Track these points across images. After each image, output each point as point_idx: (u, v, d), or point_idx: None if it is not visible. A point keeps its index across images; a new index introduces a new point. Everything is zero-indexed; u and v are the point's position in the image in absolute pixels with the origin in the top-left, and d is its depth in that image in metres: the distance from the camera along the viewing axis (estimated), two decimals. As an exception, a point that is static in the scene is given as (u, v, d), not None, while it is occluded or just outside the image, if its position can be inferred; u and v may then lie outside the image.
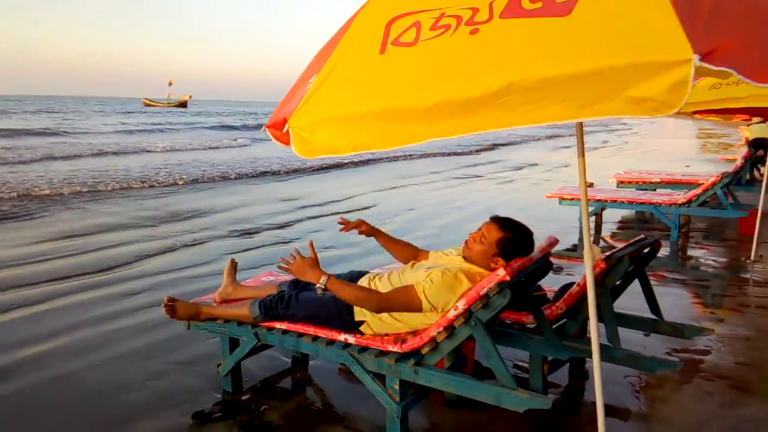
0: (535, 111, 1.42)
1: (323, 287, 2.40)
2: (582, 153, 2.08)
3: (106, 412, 2.83)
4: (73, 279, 4.86)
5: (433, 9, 1.73)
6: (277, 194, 9.82)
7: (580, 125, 2.08)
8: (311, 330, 2.67)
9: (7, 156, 14.38)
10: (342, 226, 2.88)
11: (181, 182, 10.93)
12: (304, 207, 8.48)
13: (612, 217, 7.54)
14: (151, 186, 10.47)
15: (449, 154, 17.59)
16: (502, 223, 2.54)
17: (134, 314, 4.08)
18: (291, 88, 2.30)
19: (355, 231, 2.87)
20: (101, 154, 15.83)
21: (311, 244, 2.54)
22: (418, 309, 2.43)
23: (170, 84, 68.33)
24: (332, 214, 7.89)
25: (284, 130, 1.73)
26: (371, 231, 2.90)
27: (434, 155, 17.15)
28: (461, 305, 2.29)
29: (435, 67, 1.58)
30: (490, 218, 2.59)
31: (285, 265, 2.46)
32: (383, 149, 1.59)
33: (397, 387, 2.44)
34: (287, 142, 2.29)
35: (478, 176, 12.50)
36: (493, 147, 20.35)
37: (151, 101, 66.43)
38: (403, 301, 2.45)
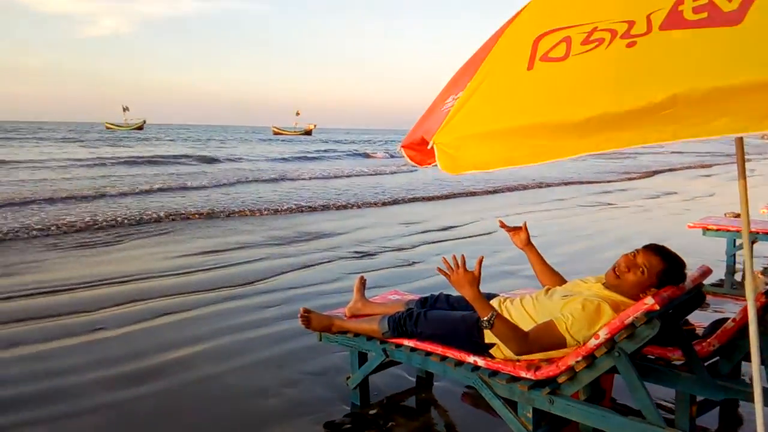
0: (703, 124, 1.34)
1: (490, 322, 2.26)
2: (743, 174, 1.90)
3: (245, 414, 3.01)
4: (215, 290, 5.26)
5: (584, 24, 1.69)
6: (399, 218, 10.00)
7: (741, 143, 1.91)
8: (439, 349, 2.66)
9: (181, 181, 15.41)
10: (500, 222, 2.85)
11: (317, 207, 11.35)
12: (425, 231, 8.55)
13: (762, 251, 6.79)
14: (279, 211, 11.10)
15: (583, 183, 16.83)
16: (662, 252, 2.36)
17: (269, 325, 4.33)
18: (428, 108, 2.36)
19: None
20: (268, 181, 16.48)
21: (480, 261, 2.36)
22: (563, 346, 2.29)
23: (298, 114, 74.16)
24: (454, 239, 7.88)
25: (429, 146, 1.77)
26: (527, 242, 2.82)
27: (568, 183, 16.50)
28: (603, 334, 2.16)
29: (588, 81, 1.54)
30: (648, 247, 2.41)
31: (445, 269, 2.35)
32: (532, 164, 1.56)
33: (530, 415, 2.35)
34: (421, 162, 2.34)
35: (609, 204, 11.89)
36: (628, 178, 19.19)
37: (280, 129, 72.16)
38: (548, 342, 2.31)
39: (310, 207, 11.13)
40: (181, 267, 6.16)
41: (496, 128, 1.67)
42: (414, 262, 6.45)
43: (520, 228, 2.83)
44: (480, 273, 2.33)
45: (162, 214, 9.59)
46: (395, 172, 19.75)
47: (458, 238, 7.98)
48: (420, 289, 4.33)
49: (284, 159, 27.27)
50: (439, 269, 2.37)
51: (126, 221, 8.95)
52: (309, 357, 3.66)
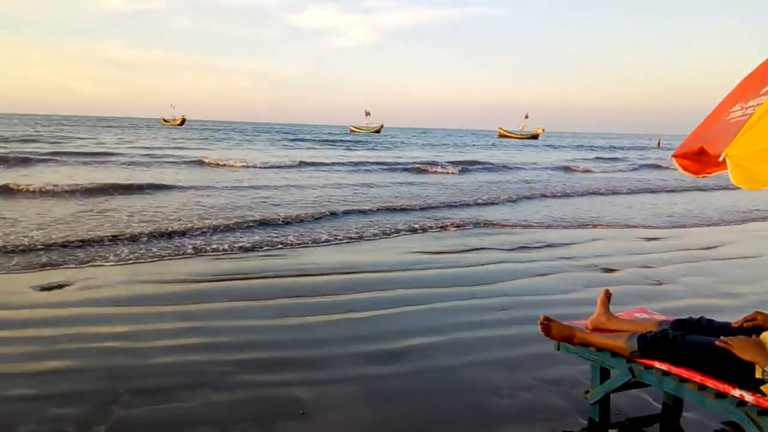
0: None
1: None
2: None
3: (476, 409, 3.12)
4: (452, 287, 5.52)
5: None
6: (640, 233, 9.21)
7: None
8: (697, 377, 2.43)
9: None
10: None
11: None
12: (682, 249, 7.72)
13: None
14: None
15: None
16: None
17: (503, 327, 4.39)
18: (707, 117, 2.17)
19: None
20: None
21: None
22: None
23: (526, 117, 73.33)
24: (712, 259, 7.01)
25: (720, 158, 1.63)
26: None
27: None
28: None
29: None
30: None
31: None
32: None
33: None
34: (698, 172, 2.17)
35: None
36: None
37: (508, 132, 72.36)
38: None
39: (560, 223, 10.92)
40: (420, 263, 6.57)
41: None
42: (662, 282, 5.90)
43: (750, 316, 2.64)
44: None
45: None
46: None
47: (716, 259, 7.06)
48: (670, 310, 3.95)
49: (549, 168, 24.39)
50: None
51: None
52: (544, 364, 3.63)
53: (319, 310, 4.79)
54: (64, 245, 6.80)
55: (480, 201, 12.43)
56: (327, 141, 45.10)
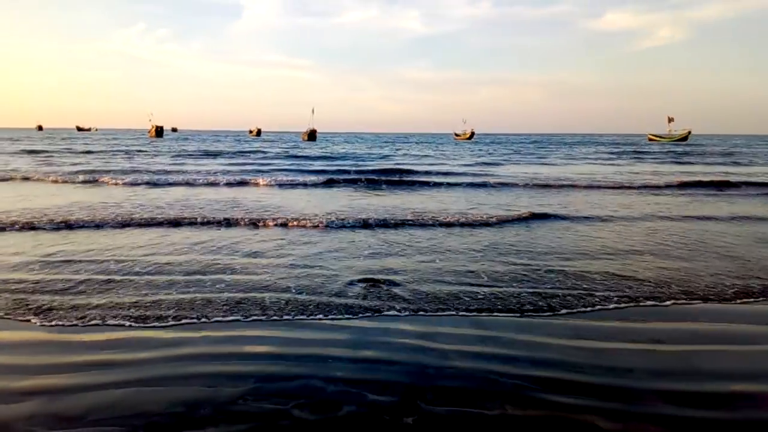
0: None
1: None
2: None
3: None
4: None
5: None
6: None
7: None
8: None
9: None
10: None
11: None
12: None
13: None
14: None
15: None
16: None
17: None
18: None
19: None
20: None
21: None
22: None
23: (671, 121, 67.08)
24: None
25: None
26: None
27: None
28: None
29: None
30: None
31: None
32: None
33: None
34: None
35: None
36: None
37: (656, 137, 68.88)
38: None
39: None
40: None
41: None
42: None
43: None
44: None
45: None
46: None
47: None
48: None
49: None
50: None
51: None
52: None
53: (618, 336, 4.43)
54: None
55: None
56: (644, 153, 41.33)
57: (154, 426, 3.00)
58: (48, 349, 4.03)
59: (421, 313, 4.90)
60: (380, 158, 31.57)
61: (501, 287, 5.68)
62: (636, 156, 37.08)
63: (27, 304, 4.95)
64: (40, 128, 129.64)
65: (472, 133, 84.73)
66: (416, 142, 69.96)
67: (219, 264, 6.48)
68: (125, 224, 9.10)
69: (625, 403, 3.31)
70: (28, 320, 4.60)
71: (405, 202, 12.92)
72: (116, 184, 16.27)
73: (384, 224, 9.54)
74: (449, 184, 17.25)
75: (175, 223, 9.32)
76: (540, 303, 5.20)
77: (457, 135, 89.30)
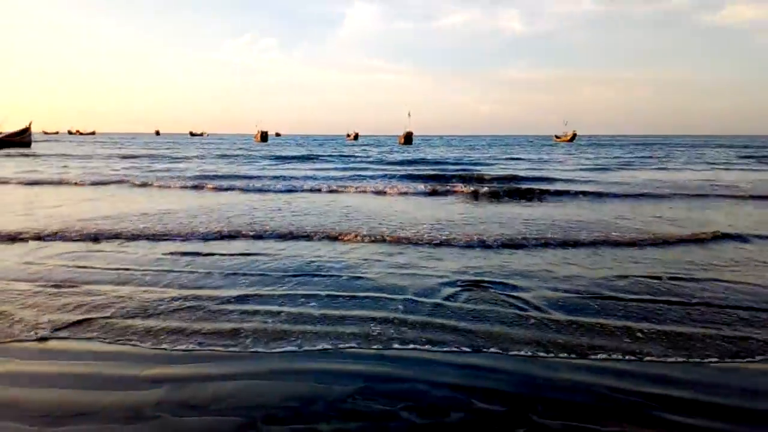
0: None
1: None
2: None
3: None
4: None
5: None
6: None
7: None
8: None
9: None
10: None
11: None
12: None
13: None
14: None
15: None
16: None
17: None
18: None
19: None
20: None
21: None
22: None
23: None
24: None
25: None
26: None
27: None
28: None
29: None
30: None
31: None
32: None
33: None
34: None
35: None
36: None
37: None
38: None
39: None
40: None
41: None
42: None
43: None
44: None
45: None
46: None
47: None
48: None
49: None
50: None
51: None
52: None
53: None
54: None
55: None
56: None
57: (272, 418, 3.13)
58: (171, 338, 4.33)
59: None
60: (487, 162, 31.07)
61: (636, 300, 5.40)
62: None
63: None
64: (157, 133, 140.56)
65: (574, 135, 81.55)
66: (517, 145, 68.39)
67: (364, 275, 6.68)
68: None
69: (755, 427, 3.04)
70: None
71: (546, 213, 11.38)
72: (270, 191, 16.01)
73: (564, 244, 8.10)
74: (575, 193, 15.19)
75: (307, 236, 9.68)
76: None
77: (557, 137, 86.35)
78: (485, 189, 15.91)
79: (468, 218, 10.58)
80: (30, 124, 45.80)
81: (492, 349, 4.13)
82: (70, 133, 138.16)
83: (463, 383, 3.59)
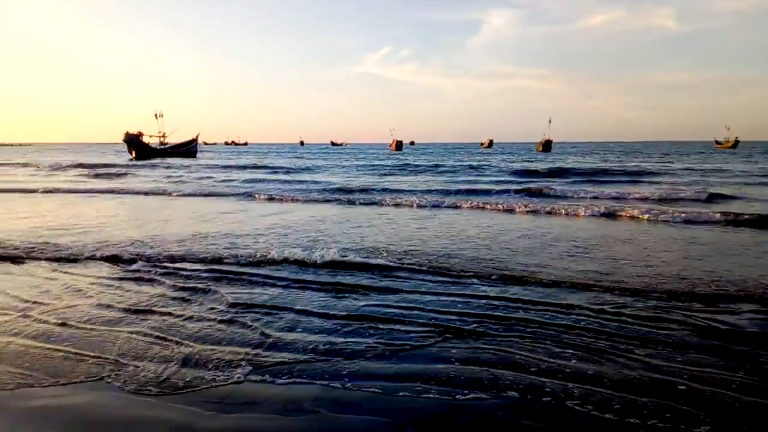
0: None
1: None
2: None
3: None
4: None
5: None
6: None
7: None
8: None
9: None
10: None
11: None
12: None
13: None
14: None
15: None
16: None
17: None
18: None
19: None
20: None
21: None
22: None
23: None
24: None
25: None
26: None
27: None
28: None
29: None
30: None
31: None
32: None
33: None
34: None
35: None
36: None
37: None
38: None
39: None
40: None
41: None
42: None
43: None
44: None
45: None
46: None
47: None
48: None
49: None
50: None
51: None
52: None
53: None
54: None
55: None
56: None
57: (420, 424, 3.23)
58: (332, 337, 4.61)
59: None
60: (659, 171, 26.77)
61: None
62: None
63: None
64: (301, 143, 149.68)
65: (737, 141, 73.47)
66: (676, 152, 62.16)
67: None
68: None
69: None
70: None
71: None
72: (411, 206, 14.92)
73: None
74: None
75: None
76: None
77: (718, 143, 78.43)
78: (729, 215, 11.41)
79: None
80: (197, 137, 50.45)
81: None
82: (226, 144, 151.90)
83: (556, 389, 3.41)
